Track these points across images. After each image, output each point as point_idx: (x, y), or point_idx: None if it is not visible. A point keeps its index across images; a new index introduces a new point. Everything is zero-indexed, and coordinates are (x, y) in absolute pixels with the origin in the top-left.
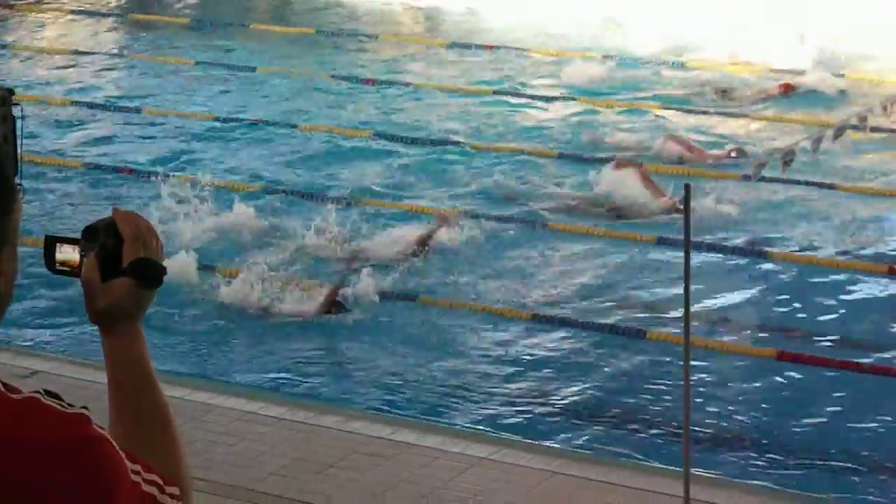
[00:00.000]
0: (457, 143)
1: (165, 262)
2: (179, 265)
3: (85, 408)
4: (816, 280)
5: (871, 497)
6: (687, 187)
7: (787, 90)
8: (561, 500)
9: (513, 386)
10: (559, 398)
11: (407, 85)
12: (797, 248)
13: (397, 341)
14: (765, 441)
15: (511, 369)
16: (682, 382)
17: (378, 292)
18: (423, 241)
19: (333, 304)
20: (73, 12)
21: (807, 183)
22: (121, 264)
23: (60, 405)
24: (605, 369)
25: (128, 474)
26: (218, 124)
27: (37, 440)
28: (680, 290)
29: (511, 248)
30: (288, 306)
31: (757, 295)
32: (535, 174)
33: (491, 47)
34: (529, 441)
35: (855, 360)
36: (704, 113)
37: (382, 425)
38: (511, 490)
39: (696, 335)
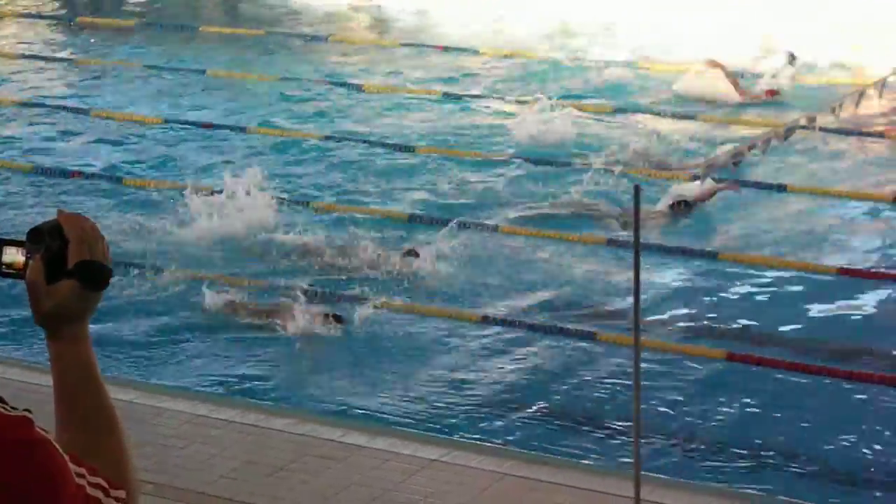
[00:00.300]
0: (409, 147)
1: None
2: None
3: (28, 410)
4: (766, 281)
5: (815, 496)
6: (636, 188)
7: (773, 95)
8: (511, 502)
9: (463, 388)
10: (509, 400)
11: (356, 86)
12: (747, 249)
13: (349, 346)
14: (715, 442)
15: (461, 371)
16: (632, 383)
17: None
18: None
19: (334, 316)
20: (20, 15)
21: (756, 184)
22: (66, 266)
23: (3, 408)
24: (556, 371)
25: (72, 477)
26: (166, 126)
27: None
28: (630, 291)
29: (463, 251)
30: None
31: (707, 296)
32: (485, 176)
33: (440, 48)
34: (480, 443)
35: (805, 363)
36: (660, 115)
37: (333, 428)
38: (462, 492)
39: (647, 336)
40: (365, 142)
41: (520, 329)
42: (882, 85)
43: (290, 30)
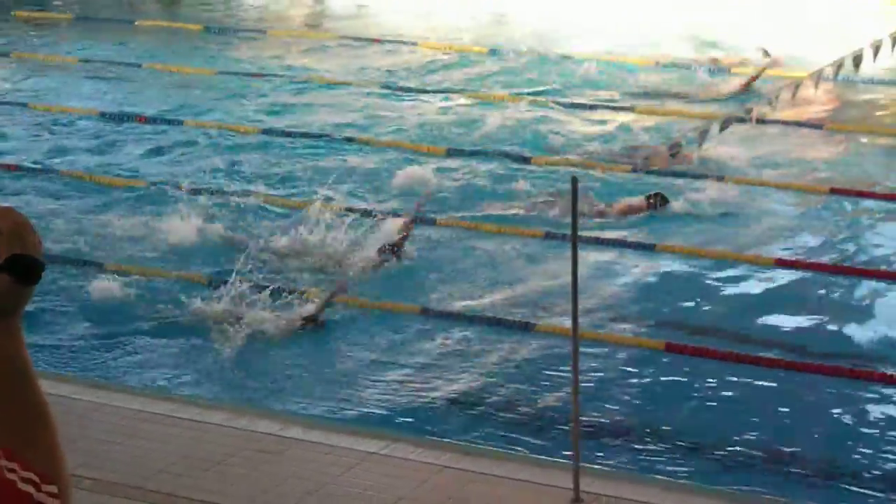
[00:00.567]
0: (348, 139)
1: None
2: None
3: None
4: (704, 272)
5: (758, 487)
6: (574, 180)
7: (747, 88)
8: (451, 494)
9: (401, 380)
10: (448, 392)
11: (295, 79)
12: (684, 242)
13: (288, 340)
14: (654, 432)
15: (400, 363)
16: (570, 374)
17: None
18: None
19: (311, 319)
20: None
21: (694, 176)
22: None
23: None
24: (494, 363)
25: (1, 472)
26: (103, 121)
27: None
28: (568, 282)
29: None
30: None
31: (645, 287)
32: (423, 168)
33: (379, 41)
34: (419, 436)
35: (743, 353)
36: (592, 107)
37: (270, 421)
38: (401, 485)
39: (585, 327)
40: (307, 135)
41: (457, 320)
42: (819, 76)
43: (228, 23)
